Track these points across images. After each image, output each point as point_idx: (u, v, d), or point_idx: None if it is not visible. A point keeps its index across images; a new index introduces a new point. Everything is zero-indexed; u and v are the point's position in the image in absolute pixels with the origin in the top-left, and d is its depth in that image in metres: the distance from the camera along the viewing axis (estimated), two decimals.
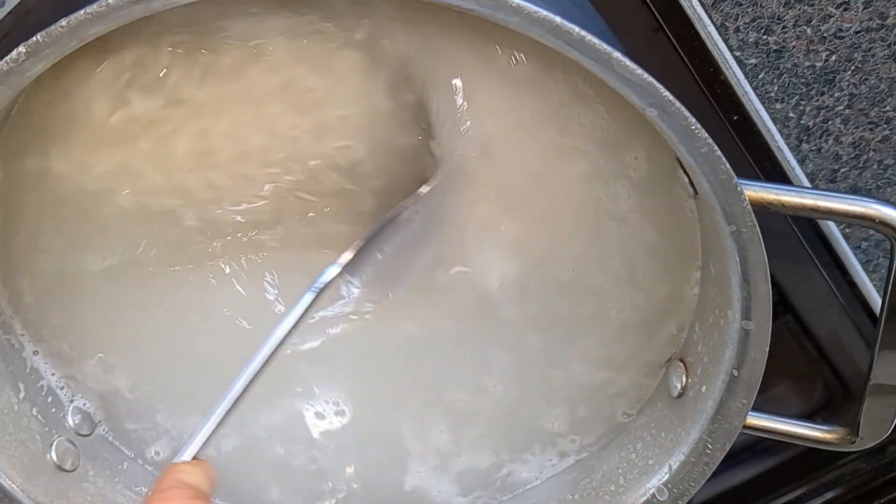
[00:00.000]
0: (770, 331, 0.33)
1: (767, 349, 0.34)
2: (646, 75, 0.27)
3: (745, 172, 0.49)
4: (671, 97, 0.27)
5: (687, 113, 0.28)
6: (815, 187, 0.49)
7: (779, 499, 0.63)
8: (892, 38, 0.44)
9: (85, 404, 0.41)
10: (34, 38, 0.26)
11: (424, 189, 0.37)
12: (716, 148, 0.28)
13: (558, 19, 0.26)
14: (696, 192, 0.33)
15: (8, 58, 0.26)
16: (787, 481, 0.62)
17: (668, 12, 0.44)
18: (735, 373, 0.34)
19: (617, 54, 0.27)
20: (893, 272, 0.30)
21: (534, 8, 0.26)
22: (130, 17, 0.26)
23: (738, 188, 0.29)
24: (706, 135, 0.28)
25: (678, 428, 0.37)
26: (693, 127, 0.28)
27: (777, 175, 0.49)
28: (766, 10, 0.43)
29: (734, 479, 0.61)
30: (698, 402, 0.36)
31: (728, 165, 0.29)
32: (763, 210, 0.31)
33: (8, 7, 0.46)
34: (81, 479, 0.40)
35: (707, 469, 0.37)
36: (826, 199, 0.30)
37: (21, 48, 0.26)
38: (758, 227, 0.30)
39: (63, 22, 0.26)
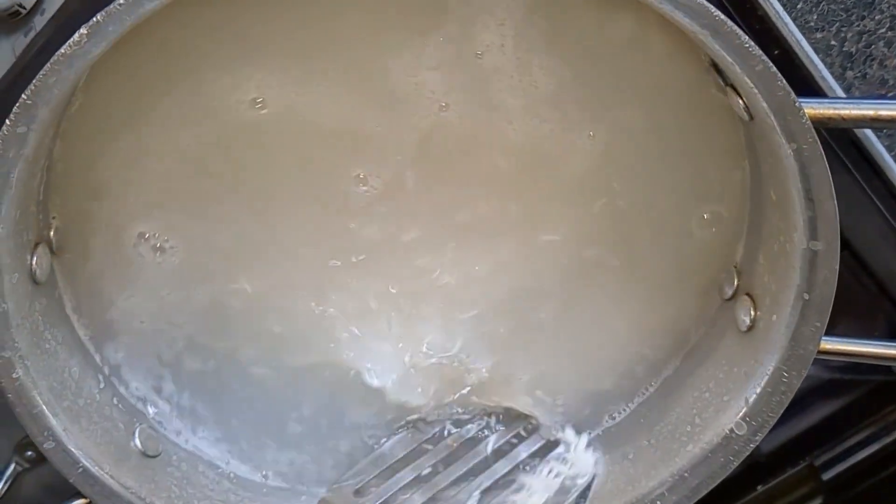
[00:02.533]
0: (839, 248, 0.33)
1: (837, 268, 0.33)
2: None
3: None
4: (723, 17, 0.27)
5: (740, 31, 0.28)
6: None
7: (849, 439, 0.62)
8: None
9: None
10: (95, 19, 0.26)
11: None
12: (771, 65, 0.28)
13: None
14: (751, 116, 0.33)
15: (70, 41, 0.27)
16: (855, 421, 0.61)
17: None
18: (806, 296, 0.34)
19: None
20: None
21: None
22: None
23: (797, 104, 0.29)
24: (760, 52, 0.28)
25: (751, 360, 0.37)
26: (747, 45, 0.28)
27: None
28: None
29: (800, 425, 0.61)
30: (770, 332, 0.36)
31: (784, 82, 0.29)
32: (823, 125, 0.30)
33: (48, 14, 0.47)
34: (166, 463, 0.41)
35: (784, 398, 0.36)
36: (888, 108, 0.30)
37: (83, 29, 0.26)
38: (818, 143, 0.30)
39: (121, 1, 0.26)
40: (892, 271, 0.58)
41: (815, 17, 0.44)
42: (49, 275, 0.37)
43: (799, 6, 0.43)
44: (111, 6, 0.26)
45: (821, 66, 0.47)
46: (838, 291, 0.61)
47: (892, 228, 0.55)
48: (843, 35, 0.45)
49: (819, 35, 0.45)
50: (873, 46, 0.45)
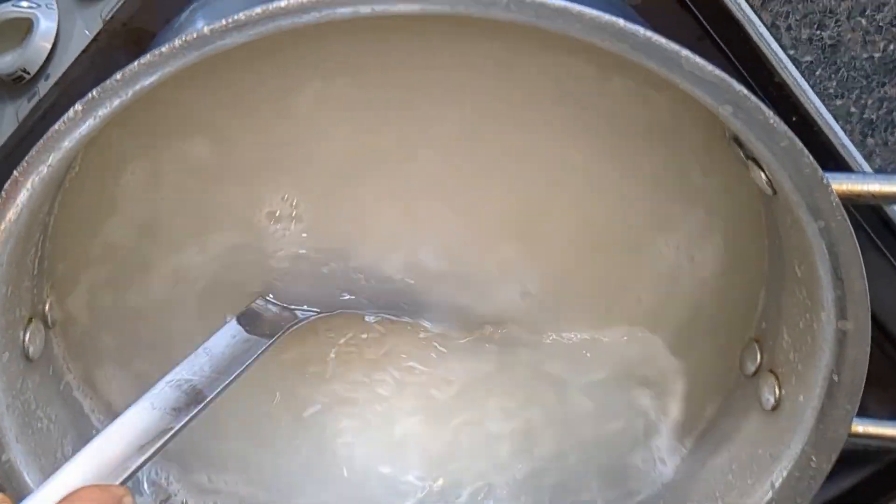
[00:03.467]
0: (870, 328, 0.31)
1: (868, 348, 0.32)
2: (718, 71, 0.26)
3: None
4: (746, 91, 0.26)
5: (764, 107, 0.27)
6: None
7: None
8: None
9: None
10: (90, 94, 0.25)
11: None
12: (797, 140, 0.27)
13: (622, 22, 0.25)
14: (775, 191, 0.31)
15: (65, 117, 0.26)
16: (884, 490, 0.59)
17: (715, 17, 0.43)
18: (835, 377, 0.33)
19: (686, 52, 0.25)
20: None
21: (595, 13, 0.25)
22: (183, 65, 0.26)
23: (825, 181, 0.28)
24: (786, 127, 0.27)
25: (777, 442, 0.35)
26: (772, 121, 0.27)
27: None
28: (818, 5, 0.42)
29: (829, 493, 0.59)
30: (796, 413, 0.34)
31: (811, 158, 0.28)
32: (852, 202, 0.29)
33: (52, 80, 0.46)
34: None
35: (814, 483, 0.34)
36: None
37: (77, 105, 0.25)
38: (847, 221, 0.29)
39: (118, 75, 0.25)
40: None
41: (834, 83, 0.43)
42: (43, 351, 0.35)
43: (818, 73, 0.42)
44: (107, 82, 0.25)
45: (840, 133, 0.46)
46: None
47: None
48: (863, 102, 0.44)
49: (839, 102, 0.44)
50: (894, 113, 0.44)
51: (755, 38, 0.43)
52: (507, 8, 0.25)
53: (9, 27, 0.46)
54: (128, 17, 0.44)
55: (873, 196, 0.29)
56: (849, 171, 0.47)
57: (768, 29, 0.42)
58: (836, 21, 0.42)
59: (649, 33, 0.25)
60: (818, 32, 0.42)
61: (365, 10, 0.25)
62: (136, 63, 0.25)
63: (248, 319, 0.38)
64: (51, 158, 0.27)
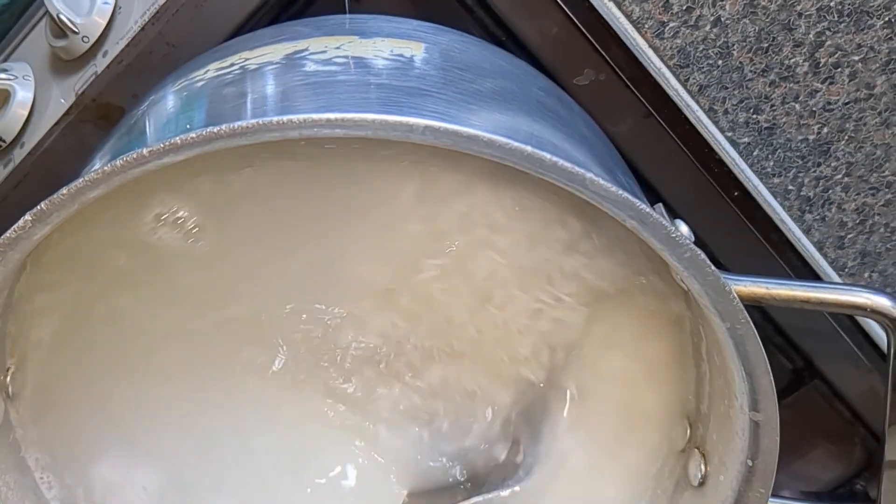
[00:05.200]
0: (778, 421, 0.33)
1: (778, 439, 0.33)
2: (619, 191, 0.28)
3: (752, 246, 0.50)
4: (647, 209, 0.28)
5: (665, 222, 0.28)
6: (824, 257, 0.49)
7: None
8: (881, 106, 0.44)
9: None
10: (39, 207, 0.27)
11: None
12: (699, 252, 0.29)
13: (529, 148, 0.27)
14: (688, 288, 0.33)
15: (16, 226, 0.28)
16: None
17: (657, 100, 0.45)
18: (750, 462, 0.34)
19: (589, 175, 0.27)
20: (891, 357, 0.30)
21: (504, 140, 0.27)
22: (126, 179, 0.28)
23: (727, 287, 0.30)
24: (688, 241, 0.29)
25: None
26: (674, 235, 0.28)
27: (784, 245, 0.49)
28: (753, 91, 0.44)
29: None
30: (718, 492, 0.36)
31: (713, 267, 0.29)
32: (755, 303, 0.31)
33: (27, 148, 0.48)
34: None
35: None
36: (817, 291, 0.30)
37: (28, 216, 0.27)
38: (751, 323, 0.31)
39: (63, 190, 0.27)
40: (864, 396, 0.58)
41: (771, 163, 0.45)
42: (4, 420, 0.37)
43: (755, 153, 0.44)
44: (55, 196, 0.27)
45: (779, 208, 0.48)
46: (813, 418, 0.61)
47: (859, 356, 0.55)
48: (800, 180, 0.46)
49: (777, 180, 0.46)
50: (830, 191, 0.46)
51: (693, 120, 0.45)
52: (423, 134, 0.27)
53: None
54: (98, 91, 0.46)
55: (774, 299, 0.31)
56: (789, 243, 0.49)
57: (706, 113, 0.44)
58: (771, 106, 0.44)
59: (555, 158, 0.27)
60: (754, 116, 0.44)
61: (293, 134, 0.27)
62: (81, 179, 0.27)
63: None
64: (2, 262, 0.29)
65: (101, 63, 0.46)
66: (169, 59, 0.44)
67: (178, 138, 0.27)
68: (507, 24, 0.46)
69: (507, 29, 0.46)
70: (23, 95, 0.48)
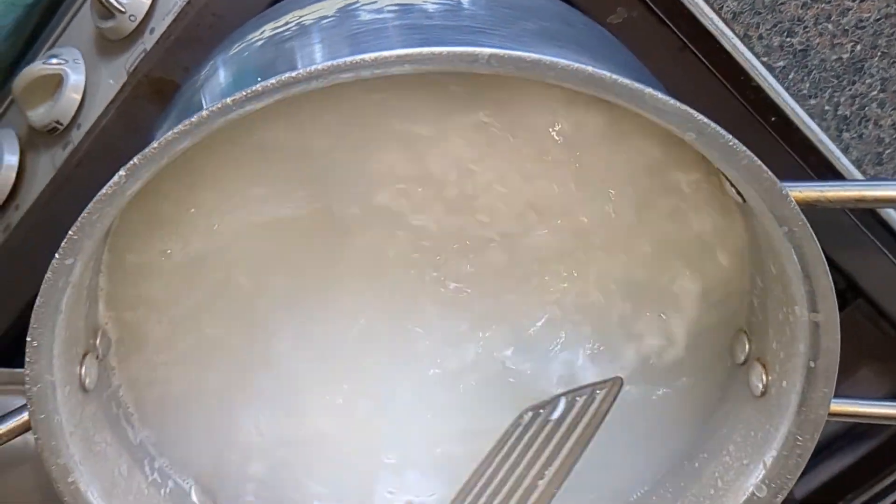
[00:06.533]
0: (838, 320, 0.34)
1: (839, 338, 0.35)
2: (678, 104, 0.29)
3: (791, 169, 0.51)
4: (705, 120, 0.29)
5: (722, 131, 0.30)
6: (863, 174, 0.50)
7: (880, 482, 0.63)
8: None
9: None
10: (132, 161, 0.29)
11: None
12: (755, 158, 0.30)
13: (589, 68, 0.28)
14: (744, 199, 0.35)
15: (111, 182, 0.29)
16: (884, 464, 0.62)
17: (692, 30, 0.46)
18: (812, 364, 0.36)
19: (649, 90, 0.29)
20: None
21: (566, 63, 0.28)
22: (211, 129, 0.30)
23: (783, 191, 0.31)
24: (744, 148, 0.30)
25: (766, 425, 0.39)
26: (731, 143, 0.30)
27: (823, 167, 0.50)
28: (786, 14, 0.45)
29: (833, 468, 0.62)
30: (781, 398, 0.38)
31: (770, 173, 0.31)
32: (811, 206, 0.32)
33: (84, 129, 0.50)
34: None
35: (801, 461, 0.38)
36: (872, 188, 0.32)
37: (122, 171, 0.29)
38: (808, 225, 0.32)
39: (154, 144, 0.29)
40: None
41: (807, 84, 0.46)
42: (97, 382, 0.39)
43: (791, 76, 0.45)
44: (146, 150, 0.29)
45: (817, 129, 0.49)
46: (858, 337, 0.62)
47: None
48: (836, 100, 0.47)
49: (813, 101, 0.47)
50: (867, 108, 0.47)
51: (729, 48, 0.46)
52: (488, 63, 0.28)
53: (41, 83, 0.50)
54: (149, 68, 0.47)
55: (829, 201, 0.32)
56: (828, 164, 0.50)
57: (741, 39, 0.45)
58: (805, 27, 0.45)
59: (614, 76, 0.28)
60: (788, 39, 0.45)
61: (366, 73, 0.28)
62: (169, 132, 0.29)
63: None
64: (98, 218, 0.30)
65: (149, 40, 0.48)
66: (215, 30, 0.46)
67: (258, 85, 0.28)
68: None
69: None
70: (75, 79, 0.50)
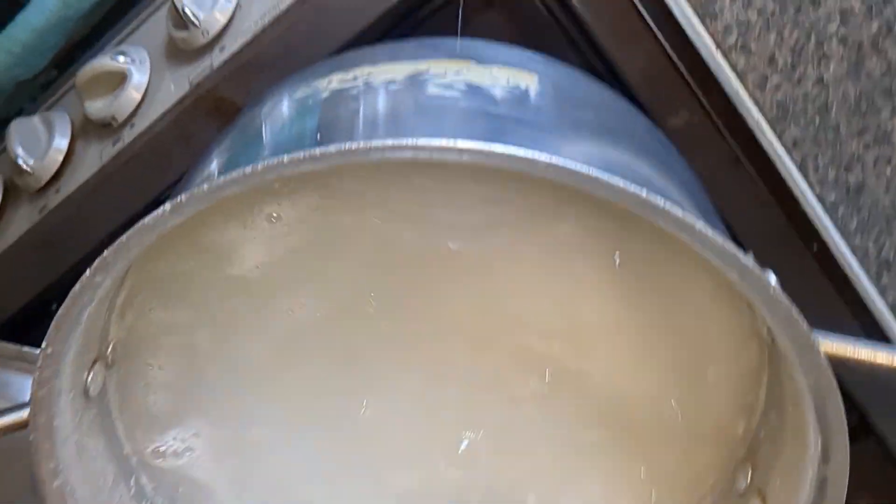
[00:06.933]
0: (847, 478, 0.34)
1: (844, 493, 0.34)
2: (728, 243, 0.29)
3: (825, 297, 0.50)
4: (750, 264, 0.29)
5: (764, 277, 0.30)
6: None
7: None
8: None
9: None
10: (179, 198, 0.29)
11: None
12: (794, 310, 0.30)
13: (644, 193, 0.28)
14: (773, 340, 0.34)
15: (155, 214, 0.29)
16: None
17: (749, 149, 0.46)
18: None
19: (700, 224, 0.29)
20: None
21: (622, 183, 0.28)
22: (261, 184, 0.30)
23: (816, 346, 0.31)
24: (785, 298, 0.30)
25: None
26: (772, 293, 0.30)
27: (857, 304, 0.50)
28: (846, 150, 0.45)
29: None
30: None
31: (806, 325, 0.31)
32: (842, 365, 0.32)
33: (136, 130, 0.51)
34: None
35: None
36: None
37: (167, 206, 0.29)
38: (834, 381, 0.32)
39: (205, 186, 0.29)
40: None
41: (855, 222, 0.46)
42: (101, 388, 0.40)
43: (840, 211, 0.45)
44: (195, 190, 0.29)
45: (857, 267, 0.48)
46: (862, 477, 0.61)
47: None
48: (881, 242, 0.46)
49: (858, 240, 0.46)
50: None
51: (784, 173, 0.46)
52: (545, 170, 0.28)
53: (105, 77, 0.51)
54: (213, 85, 0.48)
55: (859, 362, 0.32)
56: (862, 302, 0.50)
57: (797, 167, 0.45)
58: (863, 167, 0.45)
59: (668, 204, 0.28)
60: (844, 174, 0.45)
61: (424, 156, 0.29)
62: (221, 179, 0.29)
63: None
64: (135, 244, 0.31)
65: (217, 58, 0.48)
66: (284, 62, 0.46)
67: (317, 150, 0.28)
68: (608, 58, 0.47)
69: (606, 62, 0.47)
70: (138, 79, 0.51)
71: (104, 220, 0.51)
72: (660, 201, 0.28)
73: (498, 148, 0.28)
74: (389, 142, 0.28)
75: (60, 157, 0.53)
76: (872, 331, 0.50)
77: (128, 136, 0.51)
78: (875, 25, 0.41)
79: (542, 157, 0.28)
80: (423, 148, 0.28)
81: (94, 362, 0.38)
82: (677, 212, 0.29)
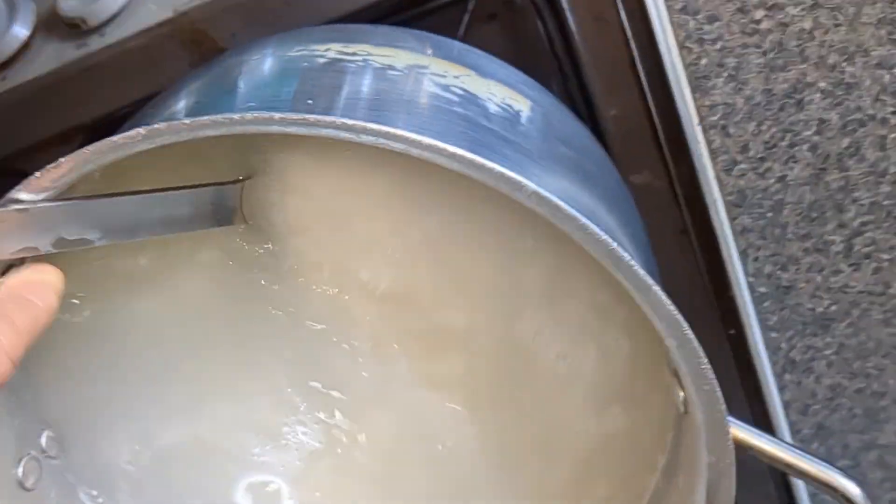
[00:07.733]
0: None
1: None
2: (675, 311, 0.30)
3: (728, 381, 0.52)
4: (691, 335, 0.30)
5: (701, 352, 0.31)
6: (786, 417, 0.52)
7: None
8: (889, 306, 0.48)
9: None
10: (155, 126, 0.28)
11: None
12: (718, 389, 0.31)
13: (614, 245, 0.29)
14: (686, 411, 0.36)
15: (126, 134, 0.28)
16: None
17: (700, 223, 0.48)
18: None
19: (656, 287, 0.29)
20: None
21: (598, 231, 0.29)
22: (245, 130, 0.29)
23: (727, 428, 0.32)
24: (713, 376, 0.31)
25: None
26: (703, 366, 0.31)
27: (756, 394, 0.52)
28: (787, 250, 0.47)
29: None
30: None
31: (724, 406, 0.32)
32: (743, 452, 0.33)
33: (106, 40, 0.49)
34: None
35: None
36: (803, 460, 0.33)
37: (141, 129, 0.28)
38: (734, 465, 0.33)
39: (187, 121, 0.28)
40: None
41: (775, 318, 0.48)
42: (38, 481, 0.38)
43: (766, 304, 0.47)
44: (176, 123, 0.28)
45: (766, 360, 0.50)
46: None
47: None
48: (793, 342, 0.48)
49: (774, 334, 0.48)
50: (815, 362, 0.49)
51: (725, 255, 0.47)
52: (529, 197, 0.29)
53: None
54: (198, 18, 0.46)
55: (762, 454, 0.33)
56: (760, 394, 0.52)
57: (739, 253, 0.47)
58: (797, 269, 0.47)
59: (632, 262, 0.29)
60: (778, 272, 0.47)
61: (415, 152, 0.28)
62: (206, 118, 0.28)
63: None
64: (94, 160, 0.29)
65: None
66: (279, 15, 0.45)
67: (312, 116, 0.28)
68: (592, 100, 0.48)
69: (589, 103, 0.48)
70: None
71: (43, 121, 0.49)
72: (626, 256, 0.29)
73: (487, 163, 0.28)
74: (382, 128, 0.28)
75: (17, 46, 0.51)
76: (762, 421, 0.53)
77: (95, 43, 0.49)
78: (845, 142, 0.43)
79: (530, 185, 0.29)
80: (414, 142, 0.28)
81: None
82: (639, 270, 0.29)
